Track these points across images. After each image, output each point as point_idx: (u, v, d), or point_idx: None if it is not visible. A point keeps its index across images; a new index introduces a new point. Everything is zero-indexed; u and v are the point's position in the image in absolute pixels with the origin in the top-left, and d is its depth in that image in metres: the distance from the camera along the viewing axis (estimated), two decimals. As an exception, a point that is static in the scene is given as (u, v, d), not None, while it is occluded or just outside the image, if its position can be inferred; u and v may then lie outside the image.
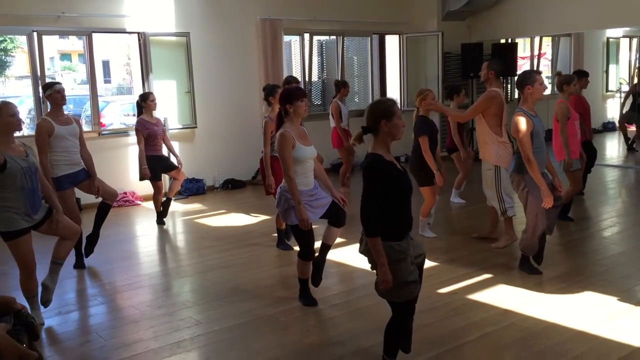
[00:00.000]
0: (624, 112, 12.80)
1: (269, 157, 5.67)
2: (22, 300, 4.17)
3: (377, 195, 3.02)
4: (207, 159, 9.26)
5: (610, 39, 15.10)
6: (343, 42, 10.78)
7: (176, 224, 7.46)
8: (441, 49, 11.20)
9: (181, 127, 9.08)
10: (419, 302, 4.41)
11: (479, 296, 4.55)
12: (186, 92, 9.04)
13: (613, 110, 14.70)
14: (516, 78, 4.95)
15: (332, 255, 5.64)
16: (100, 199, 5.70)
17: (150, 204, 7.51)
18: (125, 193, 8.42)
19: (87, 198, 7.54)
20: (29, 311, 1.74)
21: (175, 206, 8.32)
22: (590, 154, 7.38)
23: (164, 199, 7.27)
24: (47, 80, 8.05)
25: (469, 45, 11.31)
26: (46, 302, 4.43)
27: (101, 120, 11.32)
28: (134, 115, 7.19)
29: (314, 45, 10.66)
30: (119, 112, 14.09)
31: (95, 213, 5.73)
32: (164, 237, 6.93)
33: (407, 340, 3.37)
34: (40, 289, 4.37)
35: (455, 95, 7.31)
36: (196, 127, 9.16)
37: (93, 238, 5.71)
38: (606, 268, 5.14)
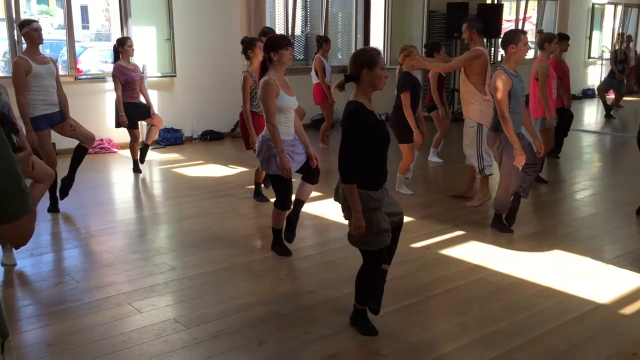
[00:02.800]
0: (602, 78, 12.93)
1: (250, 113, 5.60)
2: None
3: (356, 142, 3.02)
4: (186, 109, 9.16)
5: (596, 5, 15.10)
6: (328, -4, 10.60)
7: (153, 173, 7.41)
8: (427, 8, 11.10)
9: (160, 75, 8.93)
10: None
11: (450, 251, 4.63)
12: (166, 39, 8.86)
13: (594, 77, 14.79)
14: (501, 37, 4.94)
15: (308, 208, 5.67)
16: (75, 144, 5.63)
17: (127, 152, 7.44)
18: (101, 140, 8.31)
19: (63, 143, 7.45)
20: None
21: (152, 155, 8.26)
22: (567, 118, 7.49)
23: (141, 145, 7.20)
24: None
25: (454, 4, 11.21)
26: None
27: (78, 66, 11.08)
28: (112, 62, 7.04)
29: (298, -2, 10.48)
30: (97, 59, 13.77)
31: (71, 156, 5.68)
32: (140, 185, 6.89)
33: (378, 302, 3.41)
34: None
35: (436, 52, 7.28)
36: (175, 76, 9.02)
37: (68, 181, 5.66)
38: (576, 229, 5.26)
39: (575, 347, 3.21)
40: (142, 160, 7.24)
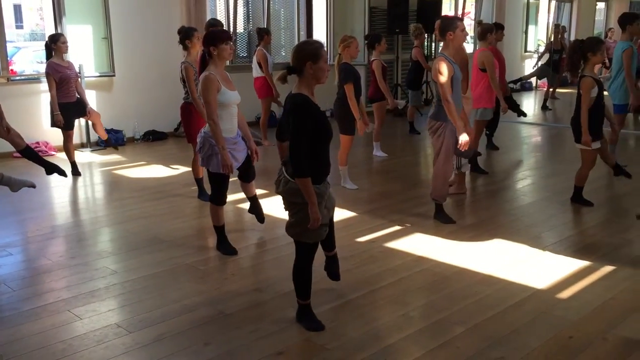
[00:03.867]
0: (538, 65, 13.26)
1: (199, 102, 5.48)
2: None
3: (306, 134, 2.99)
4: (127, 109, 8.94)
5: (531, 1, 15.55)
6: (269, -7, 10.54)
7: (93, 175, 7.20)
8: (368, 4, 11.19)
9: (98, 75, 8.68)
10: (338, 250, 4.53)
11: (395, 244, 4.68)
12: (103, 38, 8.62)
13: (530, 70, 15.23)
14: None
15: (254, 205, 5.63)
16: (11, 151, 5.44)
17: (65, 154, 7.20)
18: (37, 143, 8.02)
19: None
20: None
21: (92, 157, 8.05)
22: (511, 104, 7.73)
23: (102, 145, 7.04)
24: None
25: (395, 0, 11.34)
26: None
27: (12, 67, 10.68)
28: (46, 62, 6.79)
29: (239, -5, 10.38)
30: (31, 59, 13.32)
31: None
32: (79, 188, 6.69)
33: (335, 274, 3.70)
34: None
35: (377, 44, 7.34)
36: (114, 76, 8.78)
37: (51, 167, 5.64)
38: (515, 217, 5.41)
39: (515, 332, 3.30)
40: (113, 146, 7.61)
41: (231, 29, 10.16)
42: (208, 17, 9.39)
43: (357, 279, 4.02)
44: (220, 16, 10.39)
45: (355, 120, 5.93)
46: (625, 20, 6.80)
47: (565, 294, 3.76)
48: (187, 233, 5.01)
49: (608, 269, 4.13)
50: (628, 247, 4.56)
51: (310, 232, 3.14)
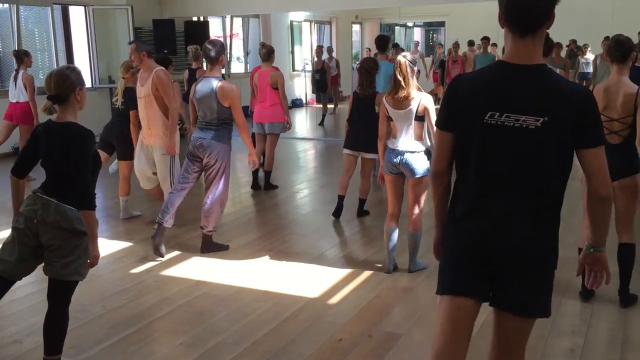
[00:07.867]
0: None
1: None
2: None
3: (90, 164, 2.87)
4: None
5: (294, 22, 16.45)
6: (18, 12, 9.64)
7: None
8: (132, 24, 10.84)
9: None
10: (108, 285, 4.29)
11: (172, 271, 4.56)
12: None
13: (299, 87, 16.10)
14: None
15: None
16: None
17: None
18: None
19: None
20: None
21: None
22: None
23: None
24: None
25: (160, 21, 11.18)
26: None
27: None
28: None
29: (-18, 14, 9.35)
30: None
31: None
32: None
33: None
34: None
35: (170, 65, 7.11)
36: None
37: None
38: (290, 231, 5.63)
39: (291, 342, 3.41)
40: None
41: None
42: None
43: (131, 313, 3.82)
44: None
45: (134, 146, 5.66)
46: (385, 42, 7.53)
47: (335, 299, 4.00)
48: None
49: (370, 272, 4.47)
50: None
51: (85, 269, 2.95)
